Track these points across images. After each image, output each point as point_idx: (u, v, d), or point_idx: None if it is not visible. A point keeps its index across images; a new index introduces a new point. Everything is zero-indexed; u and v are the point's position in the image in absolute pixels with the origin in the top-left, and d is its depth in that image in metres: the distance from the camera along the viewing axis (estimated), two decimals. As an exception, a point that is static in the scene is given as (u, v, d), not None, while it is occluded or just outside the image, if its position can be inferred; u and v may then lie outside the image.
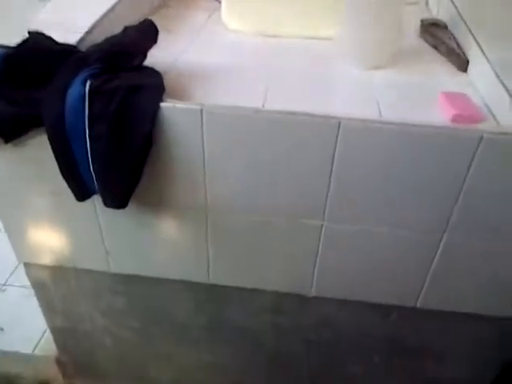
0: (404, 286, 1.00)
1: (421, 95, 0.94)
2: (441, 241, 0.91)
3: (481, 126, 0.82)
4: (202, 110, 0.79)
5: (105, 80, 0.80)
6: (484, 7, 1.14)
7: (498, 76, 0.88)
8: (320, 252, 0.96)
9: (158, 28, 0.95)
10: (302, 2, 1.19)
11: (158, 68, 0.89)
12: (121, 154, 0.81)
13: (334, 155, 0.80)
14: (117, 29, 0.93)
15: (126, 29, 0.90)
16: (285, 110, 0.78)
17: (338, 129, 0.77)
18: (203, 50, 1.09)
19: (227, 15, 1.20)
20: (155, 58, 0.91)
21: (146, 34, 0.91)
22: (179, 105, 0.79)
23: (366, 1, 0.98)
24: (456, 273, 0.95)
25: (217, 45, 1.13)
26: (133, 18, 1.12)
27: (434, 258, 0.93)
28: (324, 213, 0.89)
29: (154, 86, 0.83)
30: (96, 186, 0.87)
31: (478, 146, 0.77)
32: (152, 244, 1.03)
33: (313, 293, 1.05)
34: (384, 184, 0.84)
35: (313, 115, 0.78)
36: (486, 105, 0.91)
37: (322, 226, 0.91)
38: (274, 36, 1.15)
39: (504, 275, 0.94)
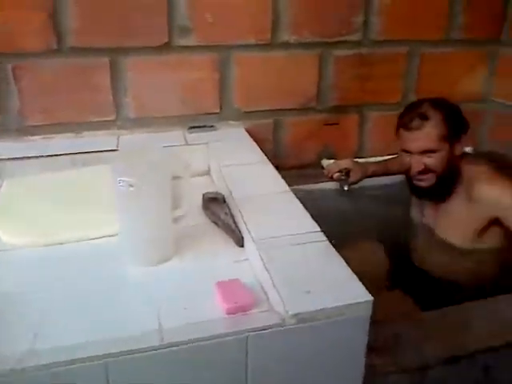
0: None
1: (201, 286, 0.94)
2: None
3: (253, 312, 0.85)
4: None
5: None
6: (245, 186, 1.24)
7: (262, 260, 0.95)
8: None
9: None
10: (79, 205, 1.21)
11: None
12: None
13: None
14: None
15: None
16: (47, 364, 0.73)
17: (106, 370, 0.74)
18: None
19: (2, 229, 1.14)
20: None
21: None
22: None
23: (135, 203, 0.99)
24: None
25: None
26: None
27: None
28: None
29: None
30: None
31: (247, 348, 0.79)
32: None
33: None
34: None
35: (76, 360, 0.73)
36: (260, 283, 0.95)
37: None
38: (57, 244, 1.11)
39: None
